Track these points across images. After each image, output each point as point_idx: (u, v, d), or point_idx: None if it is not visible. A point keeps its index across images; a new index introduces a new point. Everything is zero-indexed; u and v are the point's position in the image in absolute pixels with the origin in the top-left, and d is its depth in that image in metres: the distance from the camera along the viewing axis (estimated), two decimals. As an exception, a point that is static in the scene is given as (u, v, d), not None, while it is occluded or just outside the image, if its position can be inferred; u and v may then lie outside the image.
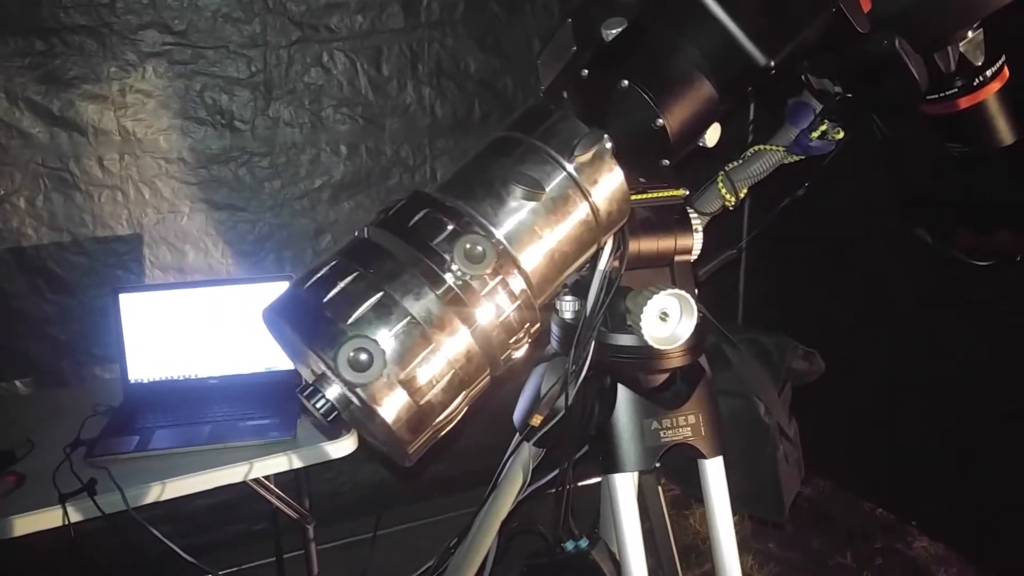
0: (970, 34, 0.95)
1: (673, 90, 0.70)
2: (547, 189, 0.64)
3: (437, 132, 2.28)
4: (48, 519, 1.42)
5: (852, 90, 0.94)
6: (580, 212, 0.65)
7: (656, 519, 0.93)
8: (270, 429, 1.64)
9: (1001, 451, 2.07)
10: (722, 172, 1.06)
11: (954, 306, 2.11)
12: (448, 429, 0.61)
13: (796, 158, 1.04)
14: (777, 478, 1.03)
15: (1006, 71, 0.99)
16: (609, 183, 0.67)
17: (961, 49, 0.94)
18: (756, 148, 1.04)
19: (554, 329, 0.93)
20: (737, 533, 0.91)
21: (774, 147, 1.02)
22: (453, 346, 0.57)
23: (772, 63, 0.68)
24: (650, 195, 0.88)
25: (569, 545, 0.95)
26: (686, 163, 0.83)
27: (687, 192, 0.91)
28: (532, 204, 0.63)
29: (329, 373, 0.57)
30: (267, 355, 1.83)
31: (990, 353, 2.06)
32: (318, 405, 0.58)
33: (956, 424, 2.18)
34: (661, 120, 0.69)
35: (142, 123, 1.96)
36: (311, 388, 0.58)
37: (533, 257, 0.63)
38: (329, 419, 0.58)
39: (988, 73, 0.96)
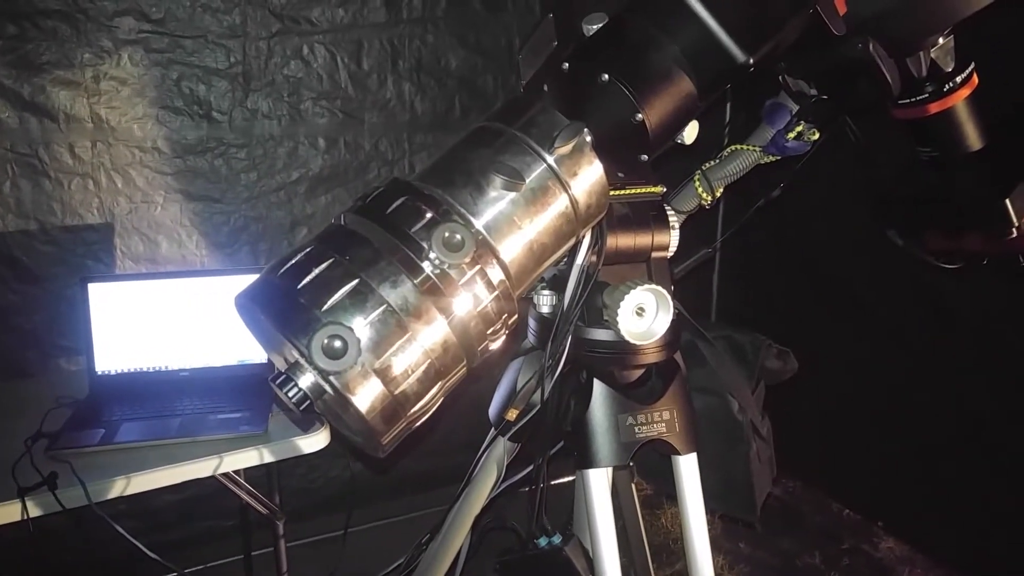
0: (941, 40, 0.96)
1: (653, 85, 0.70)
2: (527, 180, 0.63)
3: (416, 128, 2.27)
4: (6, 513, 1.39)
5: (827, 92, 0.95)
6: (559, 204, 0.65)
7: (629, 517, 0.93)
8: (241, 423, 1.62)
9: (966, 452, 2.10)
10: (699, 171, 1.06)
11: (922, 307, 2.15)
12: (423, 420, 0.60)
13: (772, 158, 1.05)
14: (749, 476, 1.03)
15: (975, 78, 1.01)
16: (588, 176, 0.67)
17: (932, 55, 0.96)
18: (733, 148, 1.05)
19: (531, 323, 0.93)
20: (708, 533, 0.91)
21: (751, 147, 1.03)
22: (430, 335, 0.57)
23: (751, 60, 0.68)
24: (629, 191, 0.88)
25: (542, 541, 0.95)
26: (663, 160, 0.84)
27: (665, 189, 0.92)
28: (512, 194, 0.63)
29: (303, 361, 0.56)
30: (240, 348, 1.81)
31: (955, 353, 2.09)
32: (291, 394, 0.57)
33: (922, 425, 2.22)
34: (640, 115, 0.69)
35: (116, 111, 1.93)
36: (284, 376, 0.57)
37: (512, 248, 0.63)
38: (302, 408, 0.57)
39: (958, 79, 0.98)
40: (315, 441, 1.64)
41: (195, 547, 2.23)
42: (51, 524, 1.52)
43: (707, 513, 0.95)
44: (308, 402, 0.57)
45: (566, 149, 0.65)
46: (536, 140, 0.65)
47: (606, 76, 0.69)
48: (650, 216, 0.89)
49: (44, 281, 1.96)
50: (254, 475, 1.84)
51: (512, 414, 0.90)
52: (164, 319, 1.78)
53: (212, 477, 1.57)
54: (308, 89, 2.13)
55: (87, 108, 1.91)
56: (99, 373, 1.77)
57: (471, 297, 0.58)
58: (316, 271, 0.56)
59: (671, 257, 0.94)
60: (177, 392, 1.74)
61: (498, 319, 0.60)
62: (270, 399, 1.71)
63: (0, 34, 1.81)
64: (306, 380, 0.57)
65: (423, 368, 0.56)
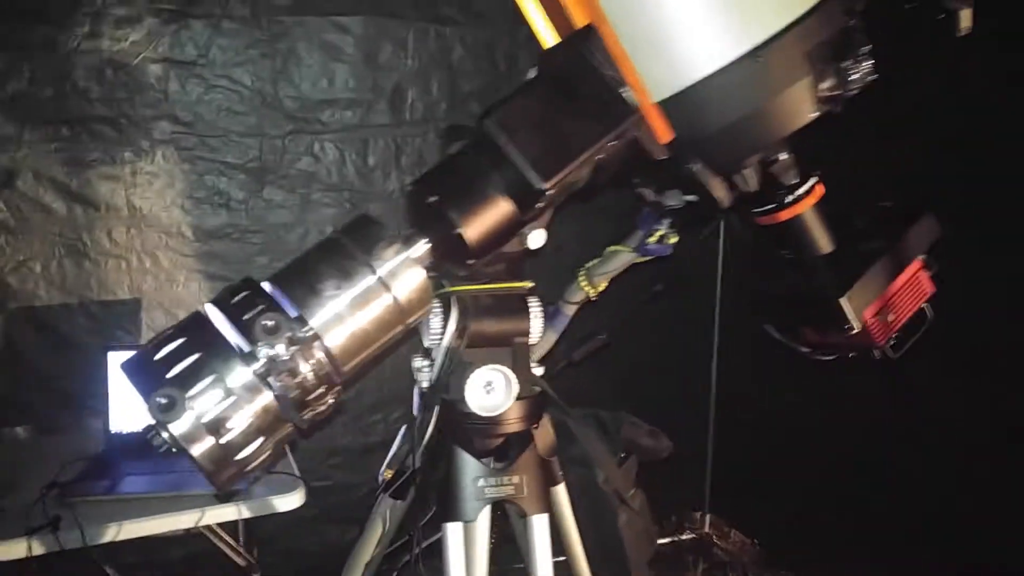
0: (783, 156, 1.11)
1: (471, 206, 0.87)
2: (352, 281, 0.81)
3: (415, 218, 2.49)
4: (14, 550, 1.59)
5: (675, 202, 1.11)
6: (382, 301, 0.82)
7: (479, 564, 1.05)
8: (225, 481, 1.80)
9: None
10: (583, 269, 1.22)
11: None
12: (256, 464, 0.77)
13: (645, 259, 1.20)
14: (621, 542, 1.15)
15: (820, 188, 1.15)
16: (409, 278, 0.84)
17: (772, 170, 1.11)
18: (611, 248, 1.21)
19: (415, 394, 1.09)
20: None
21: (624, 248, 1.19)
22: (251, 400, 0.74)
23: (546, 186, 0.85)
24: (496, 286, 1.04)
25: (420, 588, 1.09)
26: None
27: (532, 285, 1.08)
28: (340, 293, 0.81)
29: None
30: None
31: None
32: (155, 443, 0.75)
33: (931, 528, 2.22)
34: (459, 229, 0.86)
35: (148, 200, 2.22)
36: (151, 429, 0.76)
37: (338, 335, 0.80)
38: (164, 450, 0.75)
39: (800, 191, 1.12)
40: (290, 500, 1.81)
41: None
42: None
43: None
44: (167, 446, 0.75)
45: (388, 256, 0.83)
46: (363, 250, 0.83)
47: (432, 198, 0.88)
48: (513, 306, 1.05)
49: (78, 348, 2.21)
50: (261, 530, 2.00)
51: (388, 474, 1.05)
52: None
53: (204, 533, 1.76)
54: (318, 182, 2.38)
55: (124, 198, 2.19)
56: (112, 432, 2.00)
57: (290, 372, 0.75)
58: (167, 349, 0.74)
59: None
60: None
61: (316, 390, 0.77)
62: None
63: (57, 136, 2.12)
64: (166, 433, 0.74)
65: (246, 424, 0.73)
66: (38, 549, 1.60)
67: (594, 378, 2.62)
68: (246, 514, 1.77)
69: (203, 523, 1.73)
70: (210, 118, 2.24)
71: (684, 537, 3.11)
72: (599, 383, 2.63)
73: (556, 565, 1.24)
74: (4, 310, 2.15)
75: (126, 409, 2.00)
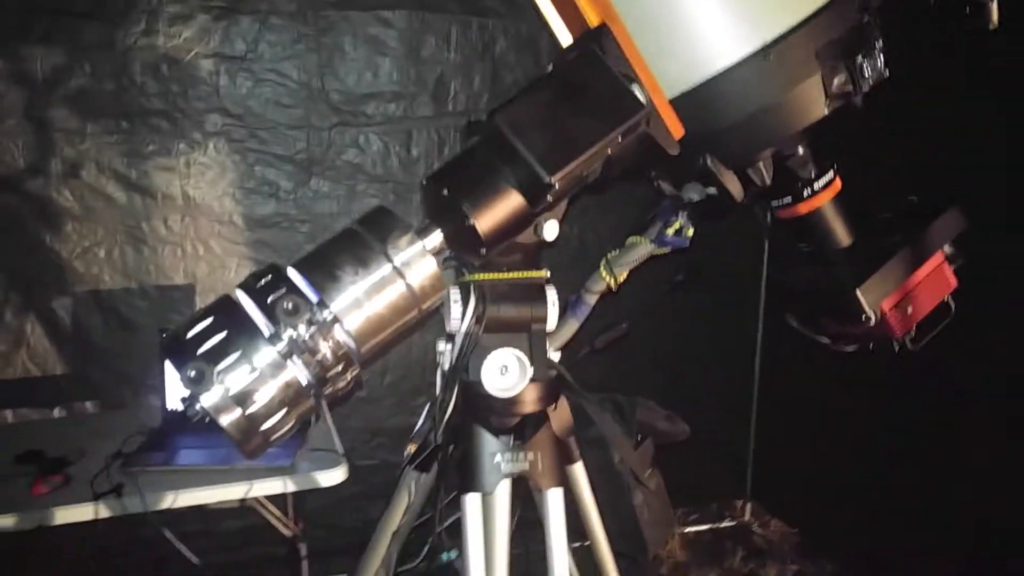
0: (801, 150, 1.13)
1: (483, 199, 0.93)
2: (368, 269, 0.87)
3: (457, 207, 2.55)
4: (83, 512, 1.73)
5: (694, 195, 1.14)
6: (397, 287, 0.88)
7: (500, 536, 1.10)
8: (272, 457, 1.90)
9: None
10: (604, 258, 1.26)
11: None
12: (280, 435, 0.85)
13: (664, 250, 1.23)
14: (637, 521, 1.20)
15: (838, 182, 1.16)
16: (422, 267, 0.90)
17: (790, 164, 1.13)
18: (631, 240, 1.24)
19: (438, 375, 1.16)
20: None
21: (644, 240, 1.22)
22: (275, 376, 0.81)
23: (553, 180, 0.90)
24: (512, 275, 1.09)
25: (443, 556, 1.15)
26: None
27: (548, 274, 1.12)
28: (358, 279, 0.87)
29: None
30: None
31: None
32: (189, 413, 0.83)
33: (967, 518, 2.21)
34: (471, 221, 0.92)
35: (201, 190, 2.33)
36: (187, 401, 0.83)
37: (356, 318, 0.86)
38: (198, 420, 0.83)
39: (817, 186, 1.14)
40: (333, 476, 1.90)
41: (250, 569, 2.52)
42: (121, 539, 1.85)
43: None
44: (200, 415, 0.83)
45: (402, 246, 0.89)
46: (379, 240, 0.89)
47: (446, 191, 0.93)
48: (530, 294, 1.10)
49: (138, 330, 2.35)
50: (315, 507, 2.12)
51: (411, 447, 1.12)
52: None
53: (254, 505, 1.86)
54: (363, 173, 2.46)
55: (179, 188, 2.31)
56: (169, 409, 2.12)
57: (310, 351, 0.82)
58: (198, 327, 0.82)
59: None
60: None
61: (334, 367, 0.84)
62: (299, 439, 2.00)
63: (117, 129, 2.24)
64: (199, 405, 0.82)
65: (270, 398, 0.81)
66: (104, 512, 1.73)
67: (640, 367, 2.69)
68: (291, 487, 1.86)
69: (252, 495, 1.84)
70: (259, 111, 2.34)
71: (723, 525, 3.13)
72: (645, 371, 2.69)
73: (582, 549, 1.30)
74: (71, 293, 2.29)
75: (181, 388, 2.11)
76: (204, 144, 2.31)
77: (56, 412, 2.34)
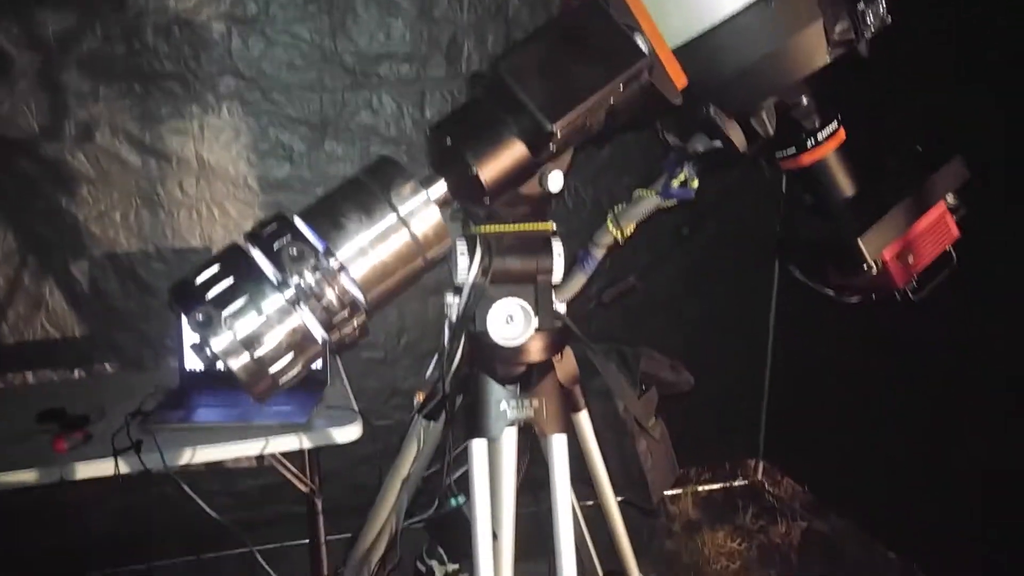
0: (805, 100, 1.13)
1: (486, 148, 0.93)
2: (373, 217, 0.89)
3: (470, 168, 2.56)
4: (104, 468, 1.77)
5: (700, 147, 1.14)
6: (401, 236, 0.90)
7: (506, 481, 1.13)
8: (288, 414, 1.94)
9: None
10: (611, 211, 1.27)
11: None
12: (289, 378, 0.87)
13: (671, 203, 1.24)
14: (641, 468, 1.22)
15: (842, 132, 1.16)
16: (426, 216, 0.91)
17: (794, 115, 1.13)
18: (638, 193, 1.25)
19: (446, 326, 1.17)
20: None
21: (650, 192, 1.23)
22: (282, 321, 0.83)
23: (554, 128, 0.90)
24: (518, 227, 1.10)
25: (452, 502, 1.18)
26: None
27: (554, 227, 1.13)
28: (362, 227, 0.88)
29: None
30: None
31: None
32: (200, 357, 0.85)
33: (978, 476, 2.19)
34: (475, 169, 0.93)
35: (215, 153, 2.34)
36: (197, 347, 0.85)
37: (361, 265, 0.88)
38: (208, 363, 0.85)
39: (821, 136, 1.14)
40: (348, 433, 1.93)
41: (270, 527, 2.58)
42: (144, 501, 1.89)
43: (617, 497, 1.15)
44: (210, 360, 0.85)
45: (406, 195, 0.90)
46: (382, 189, 0.90)
47: (449, 141, 0.94)
48: (536, 246, 1.11)
49: (156, 293, 2.39)
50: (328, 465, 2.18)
51: (420, 396, 1.14)
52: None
53: (271, 462, 1.90)
54: (376, 135, 2.46)
55: (193, 151, 2.33)
56: (187, 369, 2.16)
57: (316, 295, 0.84)
58: (207, 274, 0.84)
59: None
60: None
61: (339, 312, 0.85)
62: (315, 398, 2.03)
63: (130, 92, 2.26)
64: (209, 349, 0.84)
65: (277, 342, 0.83)
66: (124, 468, 1.77)
67: (655, 327, 2.70)
68: (307, 444, 1.90)
69: (268, 451, 1.87)
70: (272, 73, 2.34)
71: (735, 484, 3.16)
72: (660, 332, 2.69)
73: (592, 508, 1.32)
74: (88, 257, 2.33)
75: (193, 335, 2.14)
76: (217, 107, 2.32)
77: (76, 373, 2.39)
